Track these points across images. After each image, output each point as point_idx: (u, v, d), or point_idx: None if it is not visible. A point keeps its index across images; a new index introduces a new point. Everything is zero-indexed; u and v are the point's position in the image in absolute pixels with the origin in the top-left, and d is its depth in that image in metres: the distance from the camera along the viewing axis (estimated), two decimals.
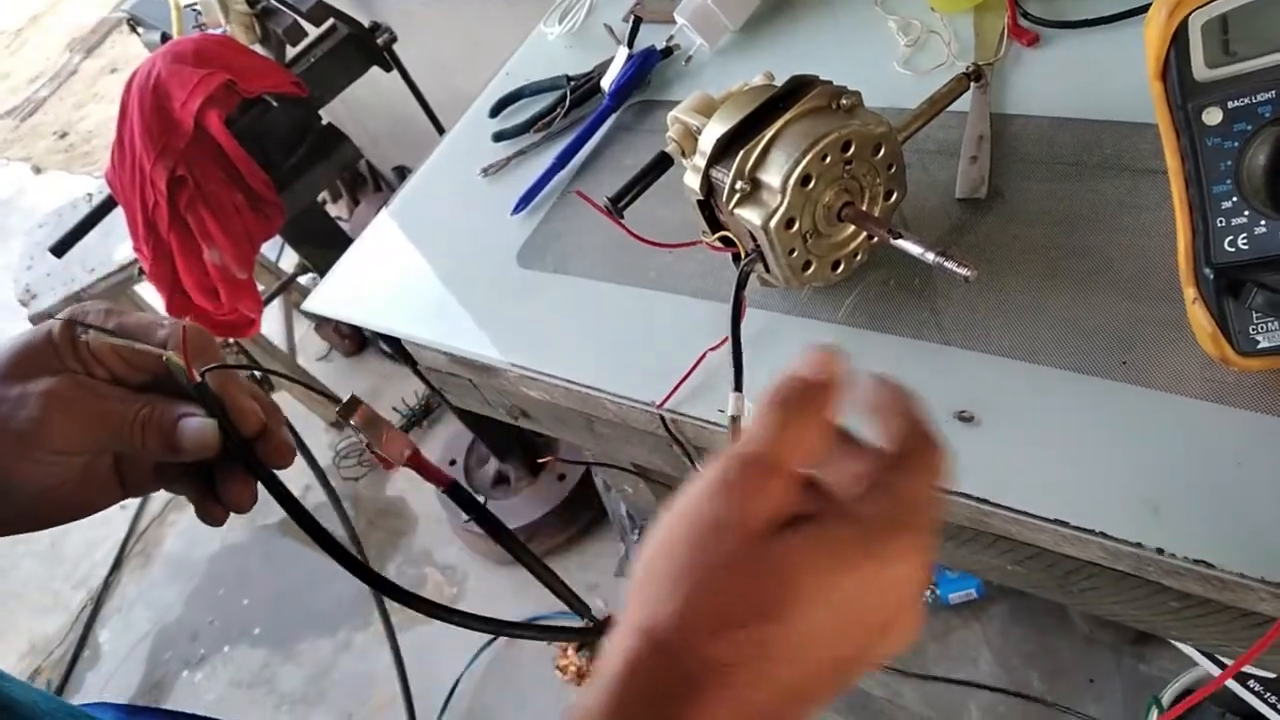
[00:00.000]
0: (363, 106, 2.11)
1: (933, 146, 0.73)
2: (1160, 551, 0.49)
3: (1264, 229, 0.48)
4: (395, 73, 1.53)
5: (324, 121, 1.51)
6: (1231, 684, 1.01)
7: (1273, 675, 1.00)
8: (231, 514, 0.50)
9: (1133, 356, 0.56)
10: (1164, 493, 0.51)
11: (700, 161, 0.65)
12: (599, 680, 0.33)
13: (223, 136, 1.30)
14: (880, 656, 0.35)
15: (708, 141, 0.64)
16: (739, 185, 0.62)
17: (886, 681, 1.34)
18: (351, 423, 0.49)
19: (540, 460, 1.81)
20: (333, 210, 2.59)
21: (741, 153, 0.61)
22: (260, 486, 0.49)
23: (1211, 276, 0.49)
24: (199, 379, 0.47)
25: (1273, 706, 0.99)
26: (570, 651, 1.77)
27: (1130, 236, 0.61)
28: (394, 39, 1.52)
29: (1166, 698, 1.07)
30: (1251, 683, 1.01)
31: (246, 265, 1.34)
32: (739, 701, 0.32)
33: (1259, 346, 0.50)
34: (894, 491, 0.35)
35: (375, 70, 1.54)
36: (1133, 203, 0.63)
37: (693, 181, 0.66)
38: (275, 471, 0.50)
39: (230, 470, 0.49)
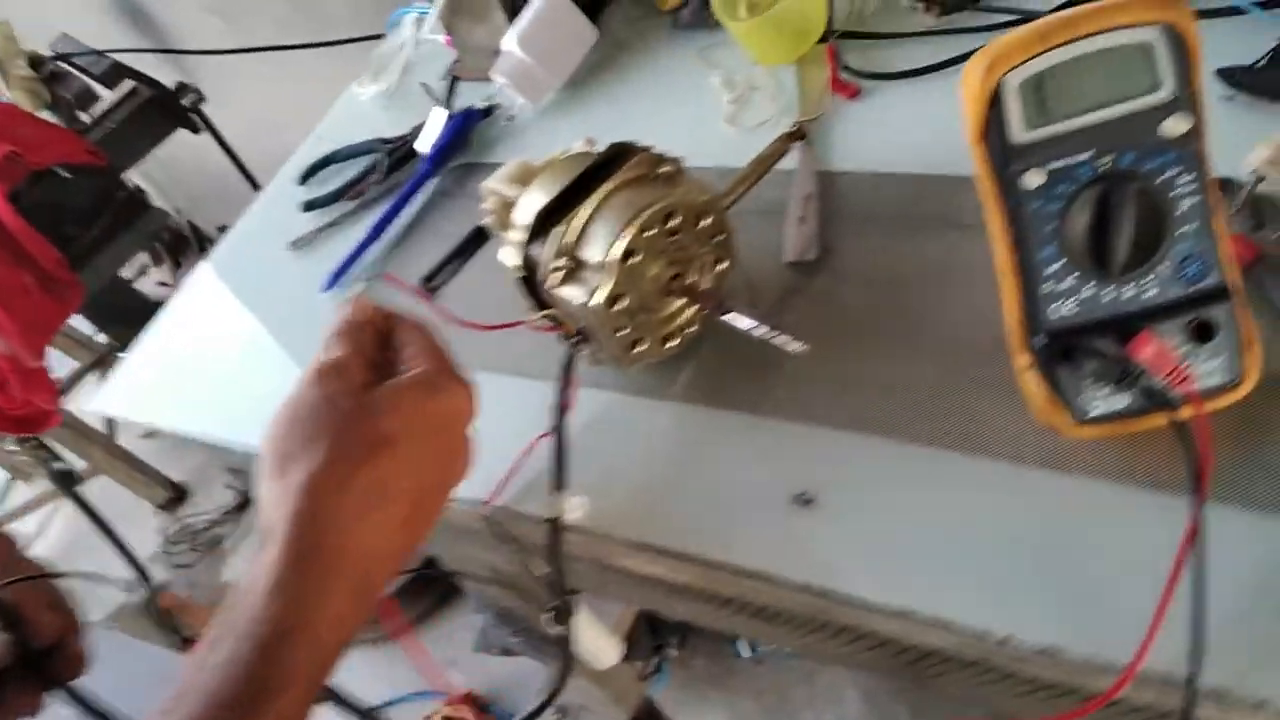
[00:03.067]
0: (180, 165, 1.98)
1: (764, 206, 0.71)
2: (1005, 640, 0.47)
3: (1090, 292, 0.47)
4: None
5: (128, 188, 1.39)
6: None
7: None
8: None
9: (967, 425, 0.54)
10: (1006, 575, 0.49)
11: (517, 238, 0.60)
12: (274, 536, 0.42)
13: (6, 214, 1.17)
14: (455, 481, 0.51)
15: (524, 217, 0.59)
16: (559, 264, 0.58)
17: None
18: None
19: None
20: (155, 275, 2.41)
21: (558, 230, 0.57)
22: None
23: (1041, 343, 0.48)
24: None
25: None
26: None
27: (959, 294, 0.60)
28: (201, 99, 1.42)
29: None
30: None
31: (38, 353, 1.21)
32: (386, 515, 0.45)
33: (1092, 415, 0.48)
34: (432, 355, 0.50)
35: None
36: (959, 260, 0.62)
37: (511, 259, 0.61)
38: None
39: (21, 680, 0.51)
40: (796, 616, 0.58)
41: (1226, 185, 0.56)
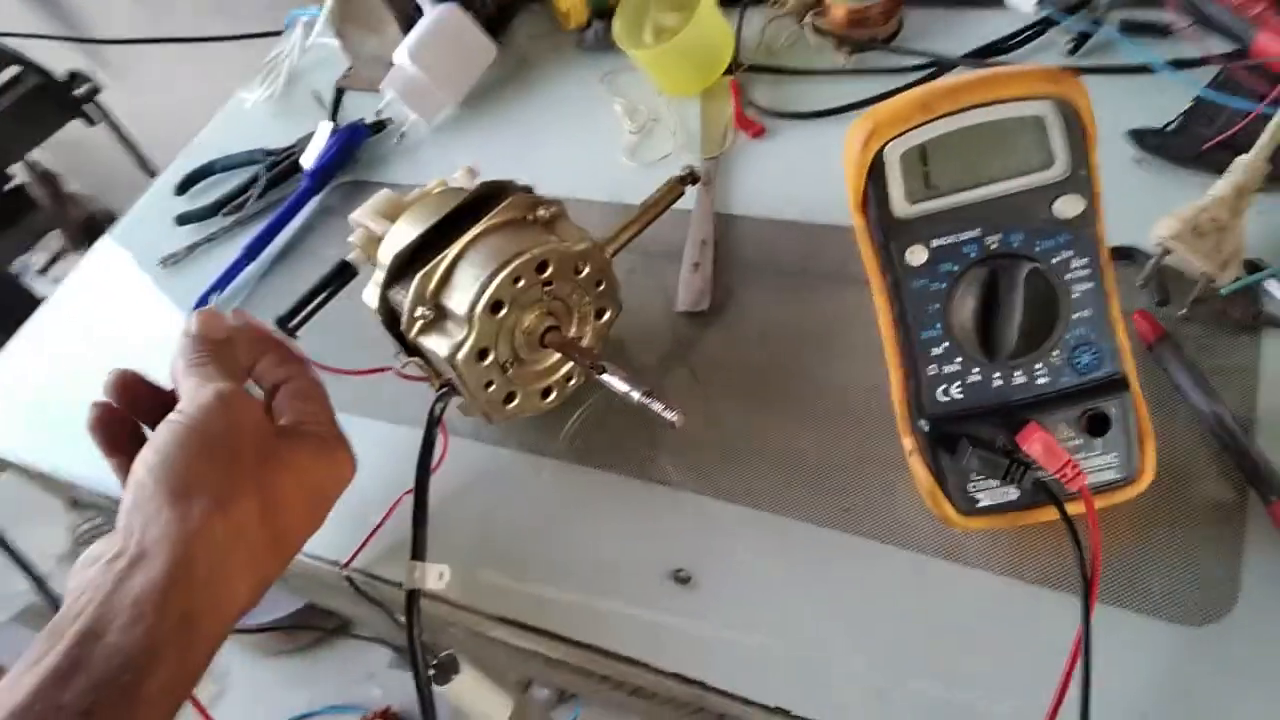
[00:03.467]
0: (92, 150, 1.88)
1: (658, 249, 0.66)
2: None
3: (977, 377, 0.43)
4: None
5: (10, 184, 1.31)
6: None
7: None
8: None
9: (856, 501, 0.51)
10: (890, 672, 0.45)
11: (379, 279, 0.55)
12: (152, 558, 0.40)
13: None
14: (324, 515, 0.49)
15: (384, 257, 0.54)
16: (419, 312, 0.53)
17: None
18: None
19: None
20: (67, 264, 2.30)
21: (419, 276, 0.52)
22: None
23: (926, 429, 0.44)
24: None
25: None
26: None
27: (853, 359, 0.56)
28: (96, 90, 1.33)
29: None
30: None
31: None
32: (251, 565, 0.44)
33: (979, 505, 0.45)
34: (322, 416, 0.50)
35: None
36: (856, 318, 0.58)
37: (373, 301, 0.56)
38: None
39: None
40: (675, 699, 0.54)
41: (1131, 255, 0.53)
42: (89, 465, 0.68)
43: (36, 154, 2.07)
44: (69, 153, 2.15)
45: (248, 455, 0.44)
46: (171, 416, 0.45)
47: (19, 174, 1.64)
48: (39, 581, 1.39)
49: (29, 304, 1.54)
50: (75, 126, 1.41)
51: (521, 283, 0.52)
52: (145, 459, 0.43)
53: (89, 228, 2.27)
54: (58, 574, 1.35)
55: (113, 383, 0.51)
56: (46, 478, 0.74)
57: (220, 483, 0.43)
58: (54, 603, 1.42)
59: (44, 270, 2.09)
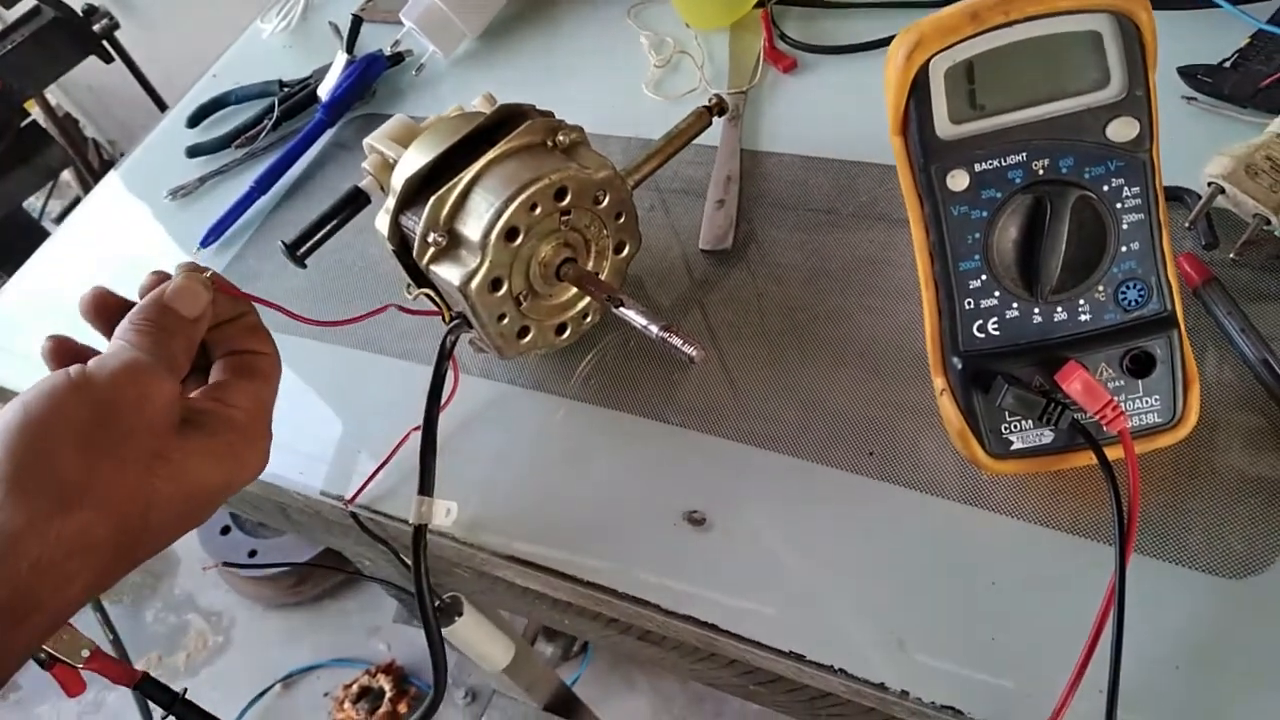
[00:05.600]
0: (108, 91, 1.87)
1: (680, 185, 0.64)
2: (905, 694, 0.42)
3: (1016, 313, 0.41)
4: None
5: (27, 119, 1.29)
6: None
7: None
8: None
9: (881, 446, 0.49)
10: (911, 621, 0.43)
11: (391, 205, 0.53)
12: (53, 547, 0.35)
13: None
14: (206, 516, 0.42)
15: (397, 181, 0.52)
16: (432, 238, 0.51)
17: None
18: None
19: None
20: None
21: (433, 200, 0.50)
22: None
23: (959, 366, 0.42)
24: None
25: None
26: (347, 705, 1.62)
27: (883, 300, 0.54)
28: (115, 25, 1.31)
29: None
30: None
31: None
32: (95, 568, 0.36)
33: (1012, 448, 0.43)
34: (253, 395, 0.43)
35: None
36: (887, 258, 0.56)
37: (385, 227, 0.54)
38: None
39: None
40: (684, 644, 0.53)
41: (1179, 196, 0.51)
42: None
43: (58, 97, 2.06)
44: (89, 96, 2.14)
45: (128, 452, 0.37)
46: (67, 371, 0.38)
47: (37, 116, 1.63)
48: None
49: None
50: (95, 67, 1.40)
51: (538, 210, 0.50)
52: (8, 419, 0.36)
53: (107, 172, 2.27)
54: None
55: (89, 303, 0.44)
56: None
57: (76, 481, 0.35)
58: None
59: (61, 218, 2.09)
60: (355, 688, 1.65)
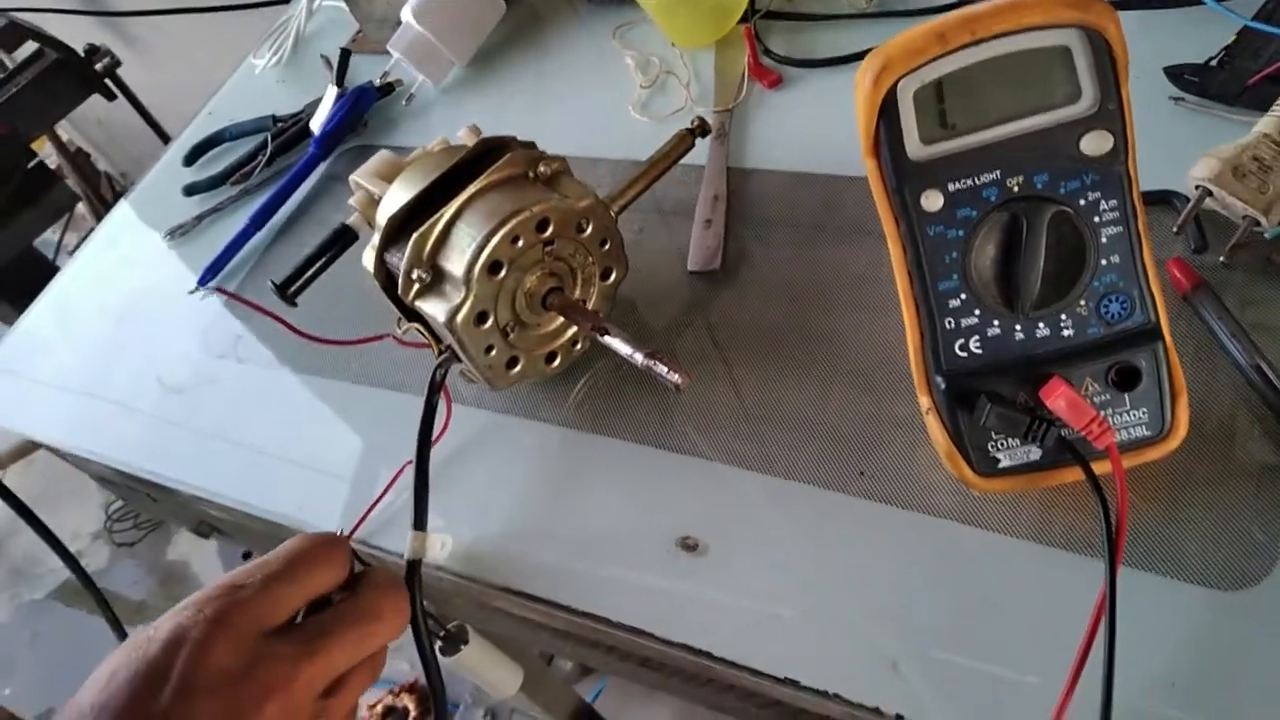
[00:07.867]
0: (116, 124, 1.89)
1: (669, 206, 0.64)
2: (900, 718, 0.41)
3: (997, 330, 0.41)
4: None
5: (34, 160, 1.31)
6: None
7: None
8: None
9: (872, 466, 0.48)
10: (905, 645, 0.43)
11: (375, 241, 0.53)
12: None
13: None
14: None
15: (381, 219, 0.53)
16: (416, 274, 0.51)
17: None
18: None
19: None
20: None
21: (415, 237, 0.50)
22: None
23: (943, 385, 0.42)
24: None
25: None
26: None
27: (873, 315, 0.54)
28: (116, 63, 1.33)
29: None
30: None
31: None
32: None
33: (1000, 466, 0.42)
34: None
35: None
36: (875, 275, 0.55)
37: (371, 264, 0.54)
38: None
39: None
40: (682, 670, 0.53)
41: (1167, 200, 0.50)
42: (87, 437, 0.69)
43: (69, 132, 2.09)
44: (99, 131, 2.17)
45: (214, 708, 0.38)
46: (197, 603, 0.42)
47: (49, 155, 1.65)
48: (72, 559, 1.41)
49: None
50: (102, 102, 1.41)
51: (521, 242, 0.50)
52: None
53: (114, 197, 2.30)
54: (90, 551, 1.35)
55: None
56: (65, 454, 0.74)
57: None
58: (88, 580, 1.44)
59: (75, 251, 2.11)
60: (380, 707, 1.65)
